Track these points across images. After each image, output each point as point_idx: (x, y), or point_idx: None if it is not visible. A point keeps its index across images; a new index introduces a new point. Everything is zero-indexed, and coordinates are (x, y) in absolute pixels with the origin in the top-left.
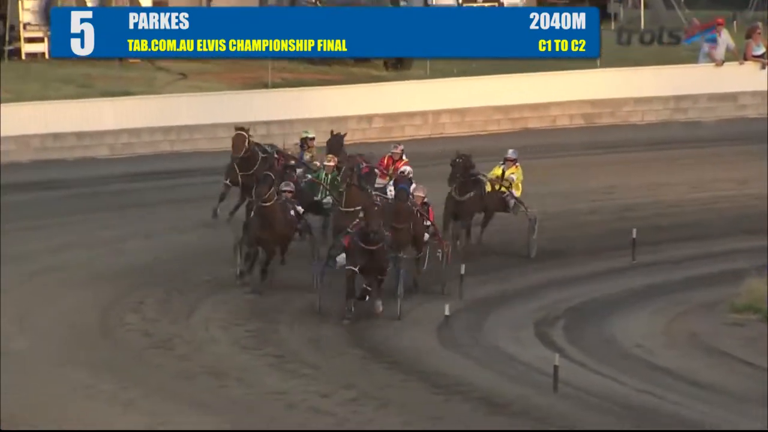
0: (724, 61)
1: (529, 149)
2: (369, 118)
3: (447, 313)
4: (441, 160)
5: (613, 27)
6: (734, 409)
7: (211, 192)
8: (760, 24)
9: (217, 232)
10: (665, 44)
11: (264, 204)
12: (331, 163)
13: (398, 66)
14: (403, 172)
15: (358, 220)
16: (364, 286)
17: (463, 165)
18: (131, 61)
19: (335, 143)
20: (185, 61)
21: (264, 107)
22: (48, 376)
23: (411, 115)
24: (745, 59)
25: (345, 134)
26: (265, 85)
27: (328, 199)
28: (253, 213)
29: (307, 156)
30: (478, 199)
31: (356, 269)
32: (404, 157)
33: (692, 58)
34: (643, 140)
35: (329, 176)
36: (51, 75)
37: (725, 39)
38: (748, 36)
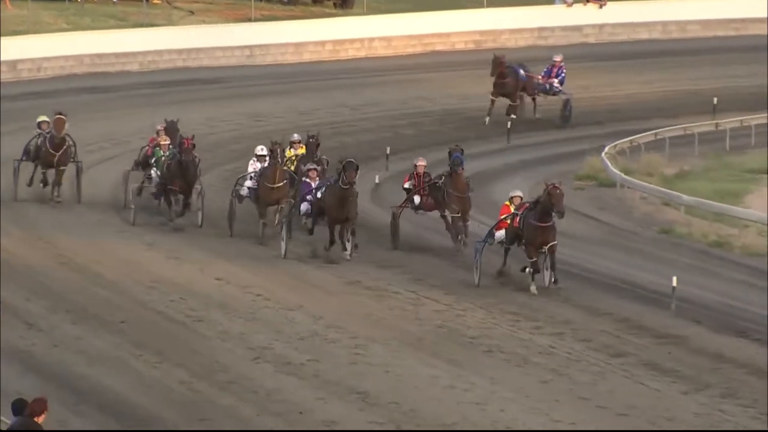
0: (573, 3)
1: (436, 66)
2: (323, 44)
3: (377, 181)
4: (374, 74)
5: None
6: (590, 251)
7: (212, 95)
8: None
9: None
10: None
11: (345, 187)
12: (166, 142)
13: (344, 5)
14: (457, 145)
15: (522, 201)
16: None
17: (316, 144)
18: (154, 1)
19: (171, 128)
20: (192, 2)
21: (248, 35)
22: (94, 223)
23: (352, 41)
24: (588, 1)
25: (178, 120)
26: (249, 20)
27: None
28: (328, 196)
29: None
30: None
31: (536, 247)
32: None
33: (550, 0)
34: (518, 58)
35: (166, 154)
36: (98, 12)
37: None
38: None
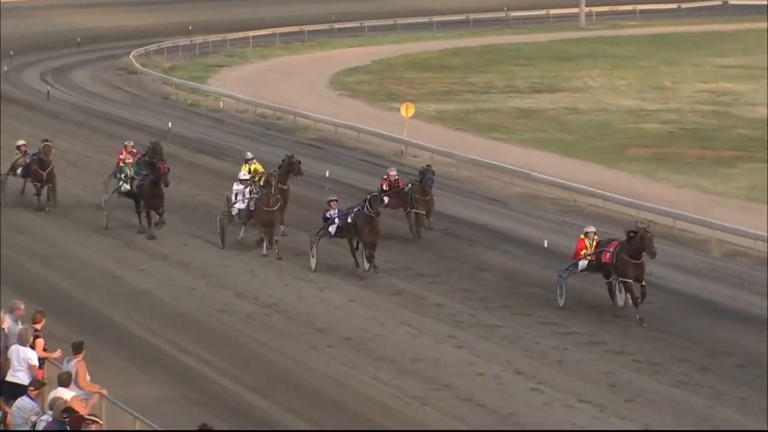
0: None
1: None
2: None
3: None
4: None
5: None
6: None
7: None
8: None
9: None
10: None
11: (371, 214)
12: (129, 160)
13: None
14: (429, 166)
15: (610, 239)
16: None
17: (298, 162)
18: None
19: (157, 149)
20: None
21: None
22: None
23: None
24: None
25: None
26: None
27: (126, 186)
28: (359, 221)
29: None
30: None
31: (630, 280)
32: None
33: None
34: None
35: (131, 170)
36: None
37: None
38: None
